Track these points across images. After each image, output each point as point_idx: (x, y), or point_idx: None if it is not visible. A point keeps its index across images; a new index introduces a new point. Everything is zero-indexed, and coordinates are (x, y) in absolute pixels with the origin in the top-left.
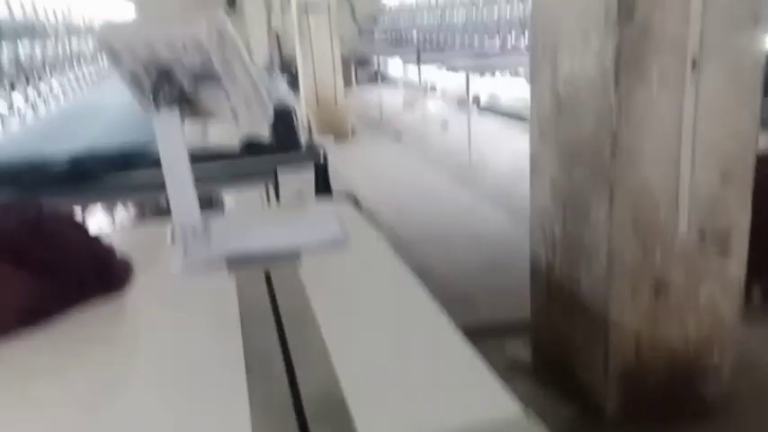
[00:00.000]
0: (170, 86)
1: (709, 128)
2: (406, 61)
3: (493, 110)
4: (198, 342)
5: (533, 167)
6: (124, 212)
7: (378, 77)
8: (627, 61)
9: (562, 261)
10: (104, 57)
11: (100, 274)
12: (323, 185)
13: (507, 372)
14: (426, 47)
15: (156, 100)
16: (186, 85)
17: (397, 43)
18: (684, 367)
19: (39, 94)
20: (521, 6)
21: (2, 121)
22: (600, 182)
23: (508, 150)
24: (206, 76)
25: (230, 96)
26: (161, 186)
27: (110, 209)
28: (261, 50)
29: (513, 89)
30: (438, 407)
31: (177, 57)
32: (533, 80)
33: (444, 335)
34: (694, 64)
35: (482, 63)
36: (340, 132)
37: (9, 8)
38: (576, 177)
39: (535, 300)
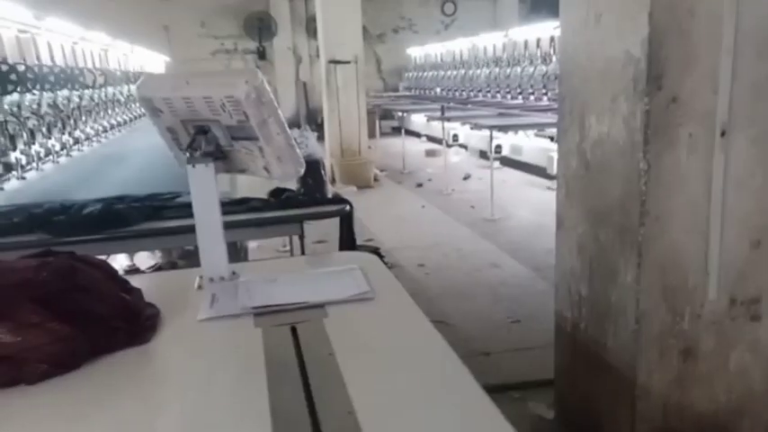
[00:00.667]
0: (206, 142)
1: (738, 195)
2: (430, 118)
3: (514, 162)
4: (224, 394)
5: (560, 226)
6: (153, 258)
7: (402, 130)
8: (656, 127)
9: (588, 321)
10: (143, 109)
11: (129, 322)
12: (347, 236)
13: (530, 431)
14: (450, 102)
15: (191, 155)
16: (222, 140)
17: (421, 98)
18: None
19: (75, 141)
20: (542, 68)
21: (37, 165)
22: (628, 244)
23: (529, 204)
24: (242, 132)
25: (264, 153)
26: (191, 233)
27: (139, 254)
28: (288, 101)
29: (535, 143)
30: None
31: (215, 114)
32: (560, 139)
33: (469, 393)
34: (723, 133)
35: (505, 122)
36: (363, 181)
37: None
38: (604, 238)
39: (559, 358)
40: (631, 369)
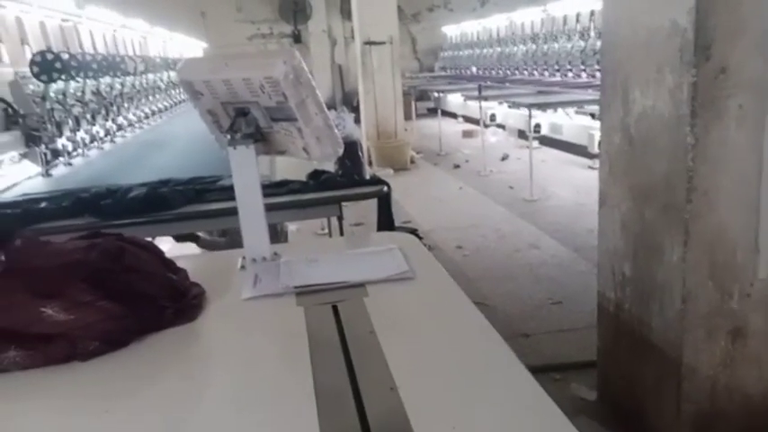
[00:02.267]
0: (246, 123)
1: None
2: (467, 98)
3: (553, 141)
4: (268, 370)
5: (602, 203)
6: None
7: (438, 111)
8: (703, 99)
9: (632, 301)
10: (183, 93)
11: (176, 301)
12: (386, 217)
13: (572, 412)
14: (487, 81)
15: (232, 137)
16: (262, 122)
17: (458, 77)
18: (762, 416)
19: (119, 127)
20: (581, 43)
21: (83, 152)
22: (674, 222)
23: (569, 183)
24: (280, 113)
25: (303, 133)
26: (233, 215)
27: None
28: (324, 84)
29: (575, 121)
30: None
31: (254, 96)
32: (603, 116)
33: (511, 371)
34: None
35: (544, 99)
36: (400, 164)
37: (93, 43)
38: (648, 216)
39: (602, 339)
40: (677, 349)
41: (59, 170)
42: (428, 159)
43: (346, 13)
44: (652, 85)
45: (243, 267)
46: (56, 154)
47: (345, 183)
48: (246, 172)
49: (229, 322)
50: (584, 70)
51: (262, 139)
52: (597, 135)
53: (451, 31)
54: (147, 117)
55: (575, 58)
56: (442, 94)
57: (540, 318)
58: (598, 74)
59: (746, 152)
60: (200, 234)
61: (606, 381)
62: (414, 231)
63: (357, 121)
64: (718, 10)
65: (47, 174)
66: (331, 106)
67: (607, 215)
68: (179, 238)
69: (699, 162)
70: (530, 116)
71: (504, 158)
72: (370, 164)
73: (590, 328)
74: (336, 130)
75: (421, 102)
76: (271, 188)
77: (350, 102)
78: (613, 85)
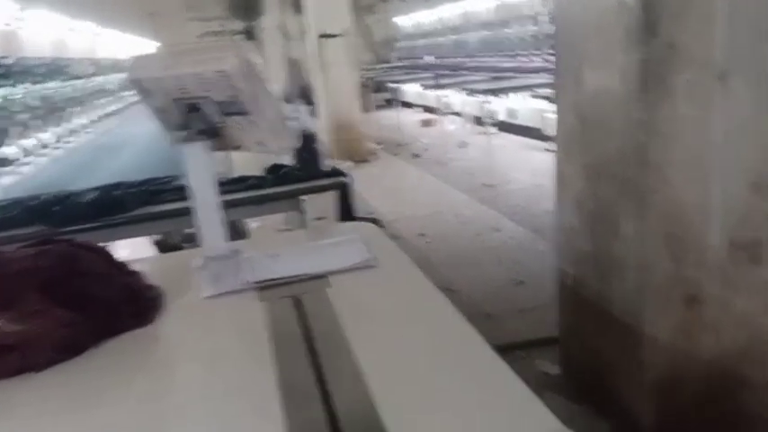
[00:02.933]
0: (198, 119)
1: (738, 140)
2: (424, 87)
3: (510, 126)
4: (232, 367)
5: (559, 184)
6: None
7: (395, 102)
8: (652, 77)
9: (591, 276)
10: (134, 91)
11: (132, 304)
12: (346, 211)
13: (538, 388)
14: (443, 69)
15: (185, 133)
16: (214, 117)
17: (414, 68)
18: (721, 380)
19: (69, 132)
20: (532, 27)
21: (32, 159)
22: (628, 196)
23: (527, 167)
24: (233, 107)
25: (257, 126)
26: (189, 215)
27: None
28: (279, 79)
29: (530, 105)
30: (477, 424)
31: (206, 91)
32: (558, 96)
33: (477, 352)
34: (721, 77)
35: (498, 85)
36: (359, 156)
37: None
38: (604, 192)
39: (563, 314)
40: (636, 320)
41: (7, 179)
42: (388, 150)
43: (299, 7)
44: (603, 64)
45: (201, 266)
46: (2, 162)
47: (304, 176)
48: (201, 168)
49: (189, 322)
50: (538, 54)
51: (215, 135)
52: (552, 118)
53: (405, 21)
54: (98, 120)
55: (527, 44)
56: (398, 85)
57: (503, 298)
58: (551, 58)
59: (695, 126)
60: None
61: (569, 355)
62: (375, 221)
63: (315, 114)
64: None
65: None
66: (287, 101)
67: (563, 194)
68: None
69: (651, 137)
70: (484, 102)
71: (463, 146)
72: (331, 157)
73: (552, 305)
74: (292, 123)
75: (378, 93)
76: (228, 185)
77: (307, 96)
78: (566, 67)
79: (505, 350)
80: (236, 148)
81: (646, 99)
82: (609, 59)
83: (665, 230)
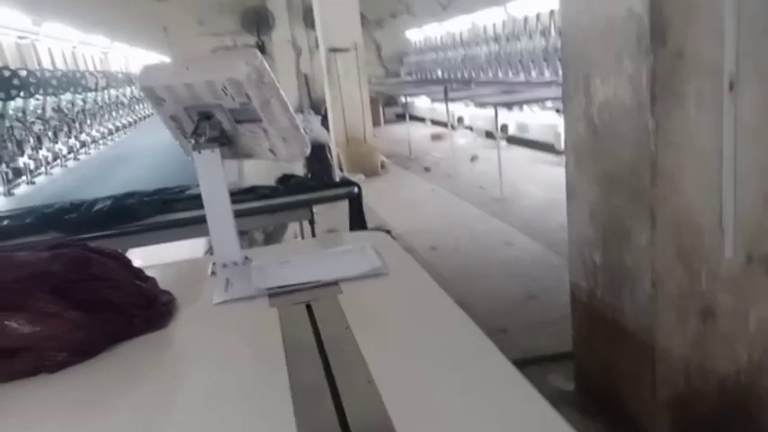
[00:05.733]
0: (211, 128)
1: (750, 149)
2: (433, 100)
3: (521, 140)
4: (243, 372)
5: (570, 195)
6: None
7: (406, 116)
8: (662, 85)
9: (603, 289)
10: (146, 100)
11: (145, 308)
12: (357, 220)
13: (551, 402)
14: (453, 83)
15: (197, 141)
16: (226, 125)
17: (424, 82)
18: (736, 394)
19: (82, 144)
20: (542, 41)
21: (45, 170)
22: (640, 207)
23: (539, 181)
24: (245, 114)
25: (269, 134)
26: (202, 224)
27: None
28: (291, 93)
29: (540, 118)
30: (483, 424)
31: (217, 99)
32: (566, 109)
33: (491, 361)
34: (731, 85)
35: (509, 98)
36: (370, 169)
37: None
38: (615, 203)
39: (576, 329)
40: (650, 333)
41: (22, 189)
42: (398, 164)
43: (310, 22)
44: (612, 74)
45: (213, 273)
46: (17, 173)
47: (315, 186)
48: (213, 176)
49: (201, 327)
50: (547, 68)
51: (227, 143)
52: (563, 132)
53: (415, 35)
54: (111, 133)
55: (537, 57)
56: (409, 99)
57: (516, 313)
58: (561, 71)
59: (707, 134)
60: None
61: (583, 370)
62: (388, 232)
63: (325, 127)
64: None
65: (8, 193)
66: (298, 112)
67: (575, 205)
68: None
69: (661, 146)
70: (496, 115)
71: (474, 159)
72: (341, 170)
73: (566, 320)
74: (303, 130)
75: (389, 107)
76: (240, 195)
77: (318, 110)
78: (575, 77)
79: (519, 365)
80: (249, 156)
81: (655, 108)
82: (618, 68)
83: (677, 242)
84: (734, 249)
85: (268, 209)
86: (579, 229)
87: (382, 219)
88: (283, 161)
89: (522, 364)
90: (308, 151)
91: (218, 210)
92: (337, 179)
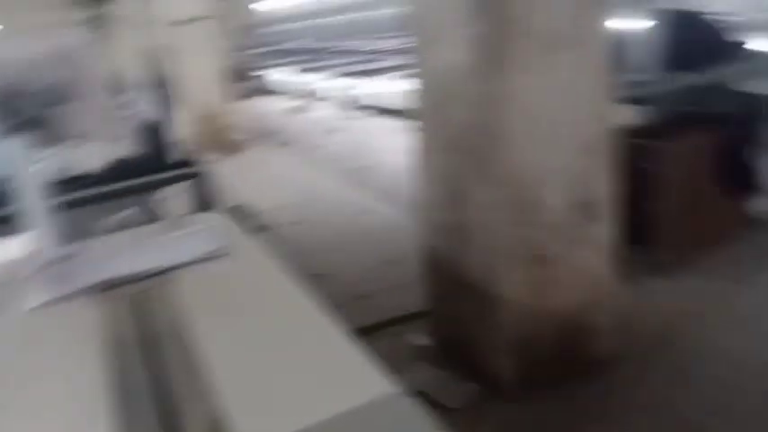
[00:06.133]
0: (19, 110)
1: (570, 108)
2: (289, 73)
3: (378, 109)
4: (59, 381)
5: (418, 160)
6: None
7: (263, 90)
8: (490, 50)
9: (450, 247)
10: None
11: None
12: (200, 199)
13: (410, 358)
14: (306, 54)
15: (2, 127)
16: (36, 108)
17: (278, 54)
18: (570, 330)
19: None
20: (389, 10)
21: None
22: (478, 166)
23: (394, 148)
24: (57, 96)
25: (84, 115)
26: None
27: None
28: (133, 70)
29: (393, 87)
30: (322, 399)
31: (26, 79)
32: (414, 76)
33: (325, 332)
34: (551, 49)
35: (358, 68)
36: (226, 146)
37: None
38: (458, 165)
39: (429, 288)
40: (492, 284)
41: None
42: (257, 140)
43: None
44: (450, 40)
45: (30, 271)
46: None
47: (150, 168)
48: (23, 166)
49: (9, 339)
50: (397, 37)
51: (39, 127)
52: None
53: (262, 6)
54: None
55: (388, 26)
56: (262, 72)
57: (377, 278)
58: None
59: (532, 95)
60: None
61: (437, 325)
62: (240, 209)
63: (172, 105)
64: None
65: None
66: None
67: (422, 170)
68: None
69: (493, 108)
70: (348, 87)
71: (331, 132)
72: (197, 150)
73: (421, 281)
74: (129, 111)
75: (243, 82)
76: (66, 183)
77: (164, 86)
78: (419, 45)
79: (378, 328)
80: (65, 139)
81: (486, 72)
82: (454, 34)
83: (511, 196)
84: (559, 198)
85: (97, 197)
86: (427, 191)
87: (242, 197)
88: (101, 142)
89: (382, 326)
90: (131, 132)
91: (33, 201)
92: (177, 160)
